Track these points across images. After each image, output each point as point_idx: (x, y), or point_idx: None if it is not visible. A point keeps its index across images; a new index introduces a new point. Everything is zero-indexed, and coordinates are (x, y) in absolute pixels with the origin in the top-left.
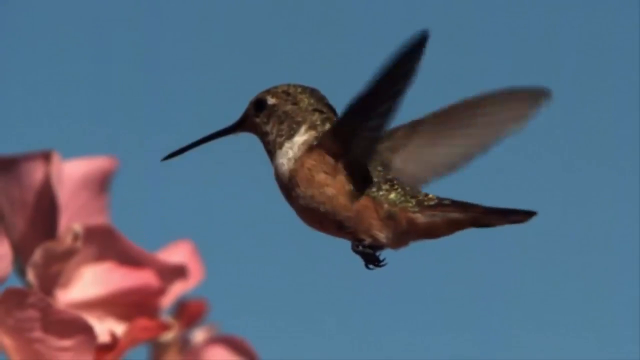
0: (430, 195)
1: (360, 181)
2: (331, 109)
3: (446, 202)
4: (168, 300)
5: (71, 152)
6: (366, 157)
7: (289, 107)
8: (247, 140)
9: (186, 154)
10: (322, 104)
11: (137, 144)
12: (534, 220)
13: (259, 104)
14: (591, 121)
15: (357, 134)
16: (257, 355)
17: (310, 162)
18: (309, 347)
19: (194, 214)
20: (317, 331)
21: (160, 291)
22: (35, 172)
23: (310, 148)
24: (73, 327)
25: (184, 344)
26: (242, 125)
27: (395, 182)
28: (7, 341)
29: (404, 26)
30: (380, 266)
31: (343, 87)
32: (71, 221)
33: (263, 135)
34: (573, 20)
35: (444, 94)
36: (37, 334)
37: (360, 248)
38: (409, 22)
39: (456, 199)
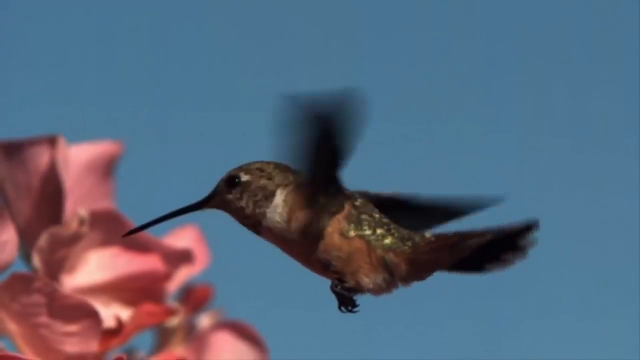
0: (428, 235)
1: (356, 222)
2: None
3: (448, 233)
4: (174, 285)
5: (76, 137)
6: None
7: (263, 182)
8: (250, 129)
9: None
10: (295, 176)
11: (142, 128)
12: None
13: (231, 181)
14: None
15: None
16: (262, 340)
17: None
18: (313, 331)
19: (199, 198)
20: (322, 316)
21: (166, 276)
22: (41, 157)
23: (297, 193)
24: (79, 312)
25: (189, 330)
26: (210, 201)
27: (391, 226)
28: (13, 326)
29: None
30: (353, 311)
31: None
32: (77, 206)
33: (238, 211)
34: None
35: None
36: (43, 319)
37: (339, 289)
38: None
39: (458, 229)
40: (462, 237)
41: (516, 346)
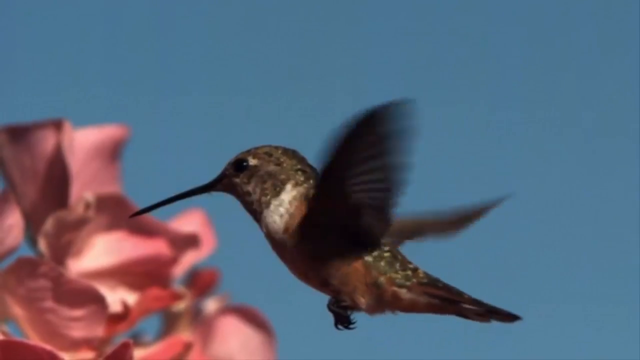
0: (420, 271)
1: (354, 243)
2: (312, 169)
3: (440, 284)
4: (180, 269)
5: (82, 121)
6: (372, 225)
7: (271, 168)
8: (256, 116)
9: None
10: (303, 164)
11: (148, 111)
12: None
13: (239, 165)
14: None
15: (356, 199)
16: (269, 325)
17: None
18: (320, 315)
19: (206, 181)
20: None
21: (172, 261)
22: (47, 141)
23: (303, 202)
24: (85, 296)
25: (196, 314)
26: (217, 184)
27: (388, 248)
28: (18, 311)
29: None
30: (349, 328)
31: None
32: (83, 190)
33: (244, 195)
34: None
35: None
36: (49, 303)
37: (335, 307)
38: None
39: (447, 283)
40: (450, 299)
41: (518, 341)
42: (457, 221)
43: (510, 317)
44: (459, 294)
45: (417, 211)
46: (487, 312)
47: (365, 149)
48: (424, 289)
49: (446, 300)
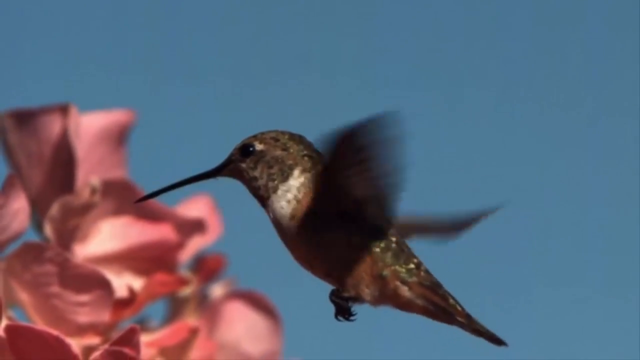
0: (423, 268)
1: (360, 233)
2: (319, 155)
3: (440, 291)
4: (186, 254)
5: (89, 106)
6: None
7: (278, 153)
8: (263, 101)
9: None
10: (310, 149)
11: (155, 96)
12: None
13: (245, 150)
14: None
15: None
16: (275, 310)
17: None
18: (327, 301)
19: (213, 166)
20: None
21: (179, 246)
22: (53, 126)
23: (312, 190)
24: (91, 281)
25: (202, 299)
26: (224, 169)
27: (395, 239)
28: (24, 296)
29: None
30: (350, 320)
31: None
32: (89, 175)
33: (250, 180)
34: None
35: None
36: (55, 288)
37: (337, 298)
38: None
39: (447, 290)
40: (445, 309)
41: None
42: (457, 225)
43: (496, 341)
44: (454, 306)
45: (418, 212)
46: (475, 332)
47: (359, 152)
48: (423, 292)
49: (441, 308)
